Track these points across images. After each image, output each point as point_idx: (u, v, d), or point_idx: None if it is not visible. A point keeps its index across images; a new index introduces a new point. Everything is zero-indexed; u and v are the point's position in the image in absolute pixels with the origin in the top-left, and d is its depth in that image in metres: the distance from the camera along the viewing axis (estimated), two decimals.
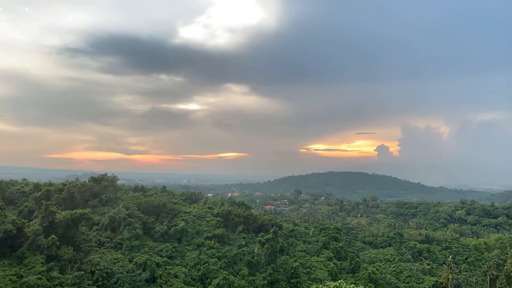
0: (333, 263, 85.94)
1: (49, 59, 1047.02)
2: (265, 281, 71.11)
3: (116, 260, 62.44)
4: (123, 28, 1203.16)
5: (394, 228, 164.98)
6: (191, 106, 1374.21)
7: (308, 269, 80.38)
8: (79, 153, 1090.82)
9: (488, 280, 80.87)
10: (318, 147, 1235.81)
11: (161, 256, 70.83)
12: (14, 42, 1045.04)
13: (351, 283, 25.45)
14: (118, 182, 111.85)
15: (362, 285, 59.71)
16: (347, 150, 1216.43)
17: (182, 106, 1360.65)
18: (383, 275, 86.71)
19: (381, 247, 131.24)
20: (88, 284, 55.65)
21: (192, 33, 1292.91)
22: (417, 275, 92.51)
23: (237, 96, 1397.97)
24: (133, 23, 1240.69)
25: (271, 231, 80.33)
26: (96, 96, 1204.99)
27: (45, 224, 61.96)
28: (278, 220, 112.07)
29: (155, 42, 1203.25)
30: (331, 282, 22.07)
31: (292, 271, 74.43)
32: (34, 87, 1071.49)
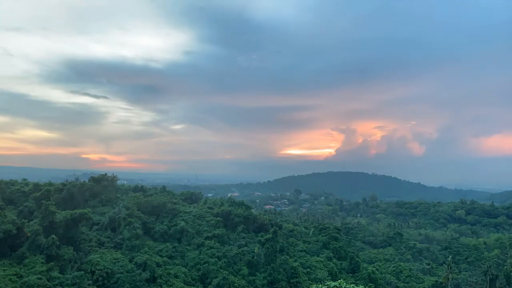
0: (333, 263, 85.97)
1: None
2: (265, 281, 71.16)
3: (116, 260, 62.45)
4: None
5: (394, 228, 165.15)
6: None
7: (308, 269, 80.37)
8: (80, 154, 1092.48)
9: (488, 280, 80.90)
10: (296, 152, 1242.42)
11: (161, 256, 70.83)
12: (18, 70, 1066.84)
13: (351, 283, 25.43)
14: (118, 182, 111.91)
15: (362, 284, 59.70)
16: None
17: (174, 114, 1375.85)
18: (383, 275, 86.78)
19: (381, 247, 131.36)
20: (88, 284, 55.64)
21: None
22: (417, 275, 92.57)
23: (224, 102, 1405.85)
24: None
25: (271, 231, 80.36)
26: (94, 108, 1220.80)
27: (45, 224, 61.98)
28: (278, 220, 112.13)
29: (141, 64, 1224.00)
30: (331, 282, 22.03)
31: (292, 271, 74.45)
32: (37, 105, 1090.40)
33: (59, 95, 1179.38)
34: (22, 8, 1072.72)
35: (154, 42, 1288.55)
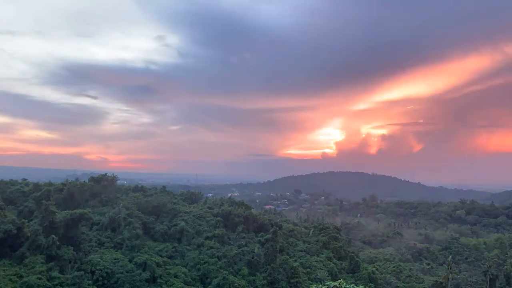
0: (333, 263, 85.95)
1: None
2: (265, 281, 71.12)
3: (116, 260, 62.46)
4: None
5: (394, 228, 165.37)
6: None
7: (308, 269, 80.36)
8: (80, 154, 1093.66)
9: (488, 280, 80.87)
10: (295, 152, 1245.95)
11: (161, 256, 70.83)
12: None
13: (351, 283, 25.46)
14: (118, 182, 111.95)
15: (362, 284, 59.72)
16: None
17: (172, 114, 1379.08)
18: (383, 275, 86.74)
19: (381, 247, 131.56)
20: (88, 284, 55.66)
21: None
22: (417, 275, 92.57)
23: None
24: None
25: (271, 231, 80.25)
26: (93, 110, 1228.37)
27: (45, 224, 62.01)
28: (278, 220, 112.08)
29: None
30: (331, 282, 22.04)
31: (292, 271, 74.40)
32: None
33: (58, 96, 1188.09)
34: (22, 11, 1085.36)
35: (152, 44, 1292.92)
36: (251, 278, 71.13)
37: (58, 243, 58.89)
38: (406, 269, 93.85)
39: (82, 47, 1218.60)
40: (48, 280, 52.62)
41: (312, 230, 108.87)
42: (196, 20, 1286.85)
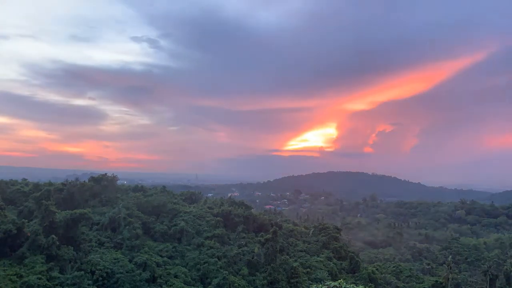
0: (333, 263, 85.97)
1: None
2: (265, 281, 71.13)
3: (116, 260, 62.44)
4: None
5: (394, 228, 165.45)
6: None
7: (308, 269, 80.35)
8: (80, 154, 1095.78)
9: (488, 280, 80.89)
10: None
11: (161, 256, 70.83)
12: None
13: (351, 283, 25.41)
14: (118, 182, 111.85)
15: (362, 284, 59.66)
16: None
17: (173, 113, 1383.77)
18: (383, 275, 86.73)
19: (381, 247, 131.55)
20: (88, 284, 55.65)
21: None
22: (417, 275, 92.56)
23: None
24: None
25: (271, 231, 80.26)
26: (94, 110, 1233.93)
27: (45, 224, 61.99)
28: (278, 220, 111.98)
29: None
30: (331, 282, 22.03)
31: (292, 271, 74.42)
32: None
33: (58, 98, 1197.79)
34: (21, 15, 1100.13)
35: (149, 47, 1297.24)
36: (251, 278, 71.15)
37: (58, 243, 58.85)
38: (406, 269, 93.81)
39: (80, 50, 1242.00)
40: (48, 280, 52.61)
41: (312, 230, 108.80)
42: (193, 23, 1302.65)
